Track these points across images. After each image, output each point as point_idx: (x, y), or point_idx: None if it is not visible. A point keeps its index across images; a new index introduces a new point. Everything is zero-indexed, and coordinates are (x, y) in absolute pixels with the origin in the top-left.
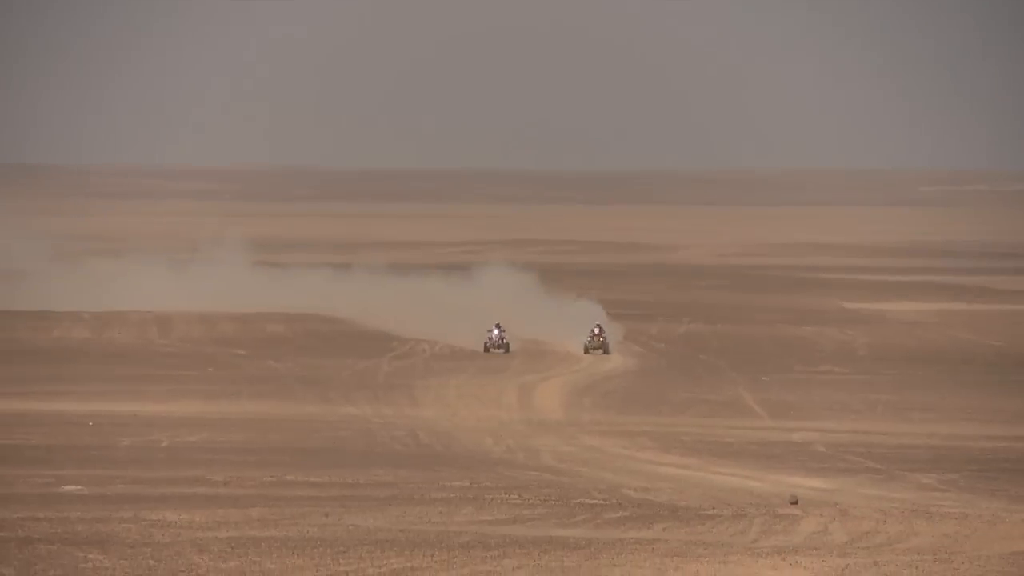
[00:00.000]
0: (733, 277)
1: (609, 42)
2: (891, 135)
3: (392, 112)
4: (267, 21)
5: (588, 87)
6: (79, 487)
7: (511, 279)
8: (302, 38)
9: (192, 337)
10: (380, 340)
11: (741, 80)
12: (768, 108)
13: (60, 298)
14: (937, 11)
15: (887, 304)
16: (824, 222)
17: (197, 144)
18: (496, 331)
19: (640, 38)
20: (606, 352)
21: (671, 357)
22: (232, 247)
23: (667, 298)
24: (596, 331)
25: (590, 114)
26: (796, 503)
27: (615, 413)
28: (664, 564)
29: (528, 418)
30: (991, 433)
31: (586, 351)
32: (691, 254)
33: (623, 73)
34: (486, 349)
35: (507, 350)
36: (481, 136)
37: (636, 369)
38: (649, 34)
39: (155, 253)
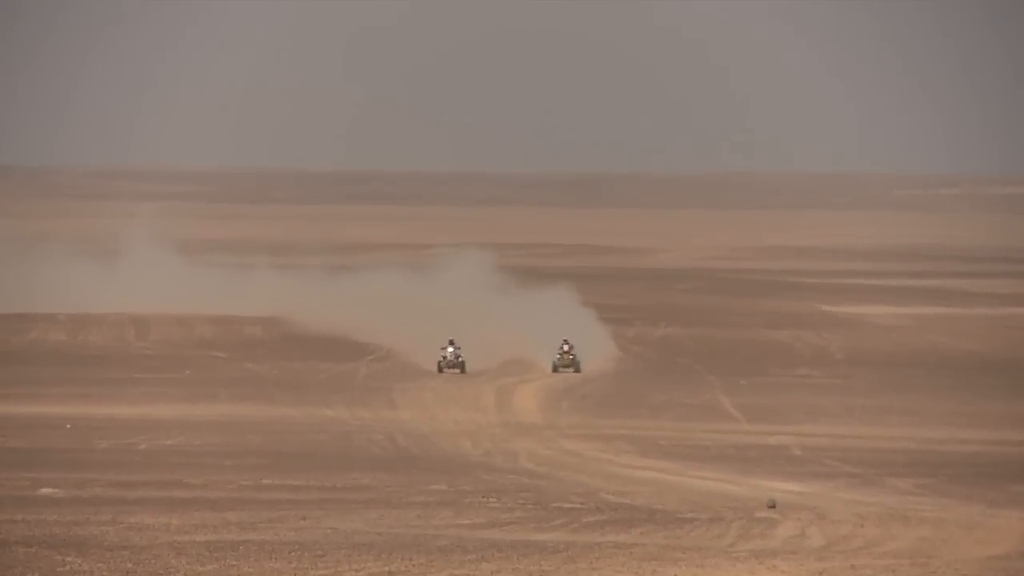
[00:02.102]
0: (710, 280)
1: (587, 43)
2: (864, 138)
3: (370, 115)
4: (251, 21)
5: (566, 89)
6: (56, 490)
7: (481, 281)
8: (285, 39)
9: (169, 339)
10: (358, 343)
11: (718, 84)
12: (745, 112)
13: (35, 300)
14: (907, 15)
15: (864, 308)
16: (801, 225)
17: (172, 145)
18: (451, 348)
19: (619, 40)
20: (576, 370)
21: (648, 360)
22: (189, 248)
23: (644, 301)
24: (565, 348)
25: (568, 116)
26: (773, 507)
27: (593, 416)
28: (642, 568)
29: (506, 421)
30: (968, 437)
31: (555, 369)
32: (668, 257)
33: (601, 75)
34: (440, 369)
35: (463, 369)
36: (459, 139)
37: (613, 372)
38: (628, 36)
39: (118, 254)
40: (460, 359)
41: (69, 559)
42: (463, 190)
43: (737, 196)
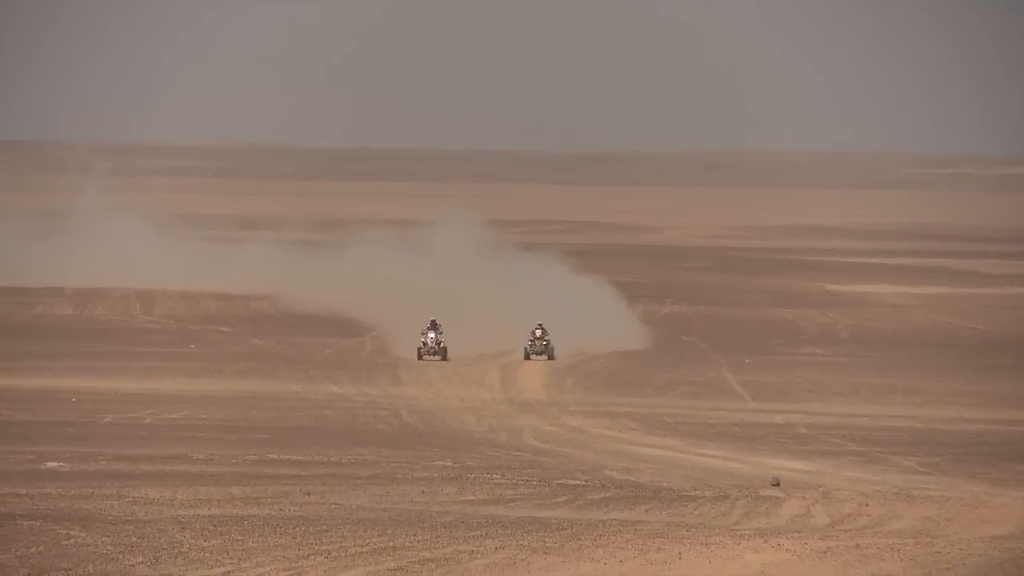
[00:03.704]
0: (716, 258)
1: (590, 21)
2: (872, 117)
3: (375, 91)
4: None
5: (571, 67)
6: (61, 463)
7: (483, 257)
8: (289, 15)
9: (175, 314)
10: (360, 319)
11: (723, 61)
12: (750, 89)
13: (41, 274)
14: None
15: (870, 286)
16: (807, 204)
17: (180, 121)
18: (431, 334)
19: (621, 18)
20: (550, 357)
21: (654, 338)
22: (193, 223)
23: (650, 279)
24: (538, 332)
25: (573, 94)
26: (778, 485)
27: (598, 394)
28: (646, 545)
29: (510, 398)
30: (973, 416)
31: (527, 356)
32: (674, 235)
33: (606, 53)
34: (420, 356)
35: (444, 356)
36: (463, 117)
37: (619, 350)
38: (630, 13)
39: (129, 229)
40: (442, 345)
41: (73, 533)
42: (467, 167)
43: (743, 174)
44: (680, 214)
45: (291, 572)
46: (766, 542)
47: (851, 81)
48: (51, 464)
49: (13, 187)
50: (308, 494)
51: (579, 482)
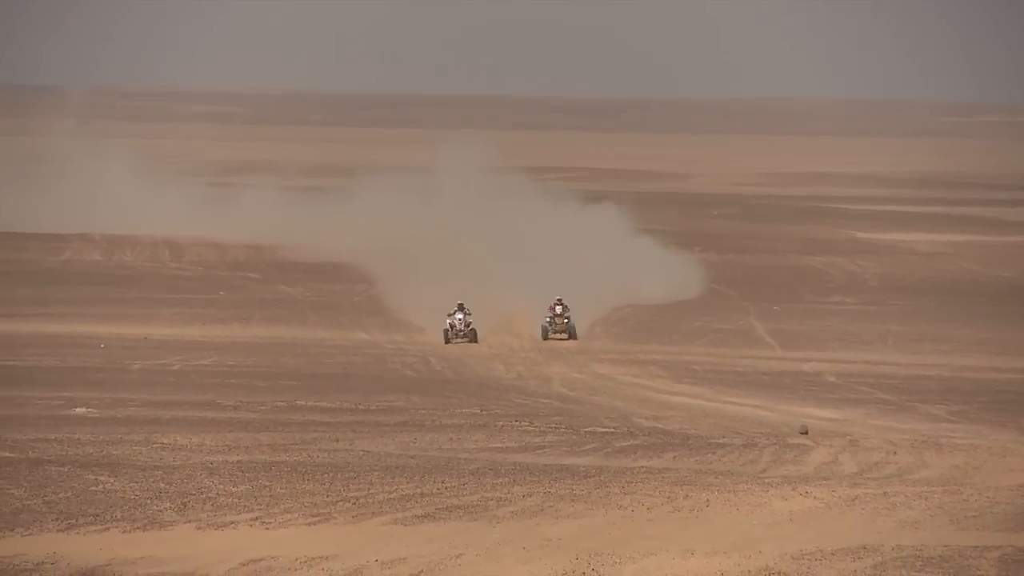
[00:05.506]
0: (744, 206)
1: None
2: (901, 65)
3: (402, 36)
4: None
5: (600, 12)
6: (90, 409)
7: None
8: None
9: (204, 261)
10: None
11: (751, 6)
12: (778, 36)
13: (70, 220)
14: None
15: (898, 235)
16: (836, 152)
17: (210, 67)
18: (460, 315)
19: None
20: (572, 336)
21: (685, 286)
22: (221, 170)
23: (678, 227)
24: (558, 309)
25: (602, 40)
26: (806, 433)
27: (626, 342)
28: (674, 492)
29: (539, 346)
30: (1001, 365)
31: (545, 336)
32: (702, 183)
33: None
34: (447, 339)
35: (474, 338)
36: (492, 63)
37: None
38: None
39: (158, 176)
40: (471, 326)
41: (102, 478)
42: (496, 114)
43: (770, 122)
44: (707, 162)
45: (319, 518)
46: (794, 490)
47: (882, 28)
48: (80, 410)
49: (43, 132)
50: (336, 441)
51: (607, 430)
